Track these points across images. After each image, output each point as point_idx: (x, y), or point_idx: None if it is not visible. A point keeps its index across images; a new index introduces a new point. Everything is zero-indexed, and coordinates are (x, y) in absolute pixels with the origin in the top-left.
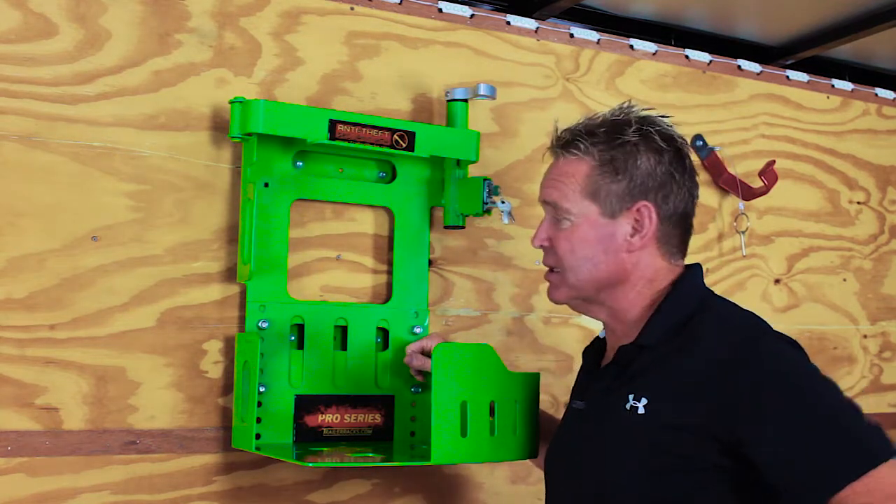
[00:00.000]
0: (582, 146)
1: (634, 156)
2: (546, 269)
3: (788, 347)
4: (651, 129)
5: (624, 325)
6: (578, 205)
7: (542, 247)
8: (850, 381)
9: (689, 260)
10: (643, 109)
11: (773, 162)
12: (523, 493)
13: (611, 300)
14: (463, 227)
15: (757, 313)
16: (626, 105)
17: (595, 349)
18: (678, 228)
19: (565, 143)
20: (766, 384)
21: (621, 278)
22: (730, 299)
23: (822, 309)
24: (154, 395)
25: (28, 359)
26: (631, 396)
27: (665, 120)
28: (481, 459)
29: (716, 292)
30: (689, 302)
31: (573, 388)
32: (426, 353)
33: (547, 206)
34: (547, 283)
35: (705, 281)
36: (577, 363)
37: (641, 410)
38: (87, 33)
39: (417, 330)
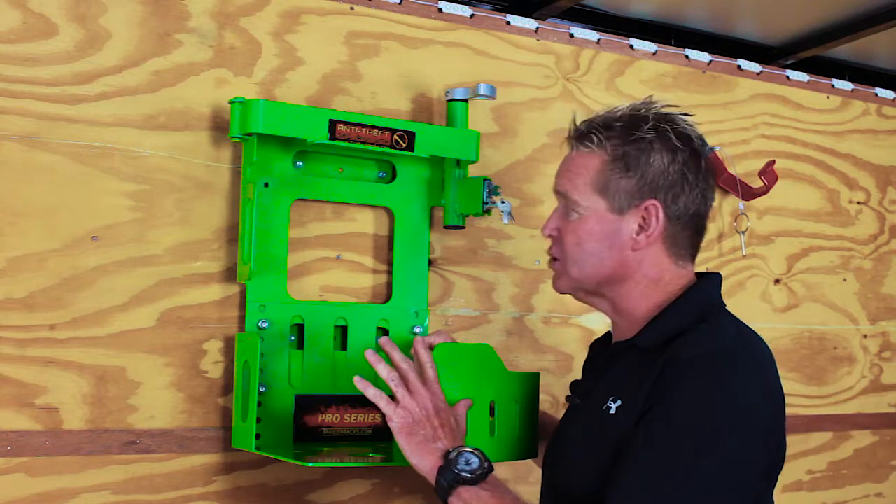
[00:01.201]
0: (596, 139)
1: (647, 153)
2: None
3: (725, 394)
4: (668, 127)
5: (626, 322)
6: (588, 198)
7: (550, 236)
8: (850, 381)
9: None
10: (665, 106)
11: (773, 162)
12: (523, 493)
13: (613, 295)
14: (463, 227)
15: (762, 341)
16: (648, 100)
17: (602, 343)
18: (688, 230)
19: (581, 134)
20: (675, 396)
21: (624, 275)
22: (738, 319)
23: (822, 309)
24: (154, 395)
25: (28, 359)
26: (610, 398)
27: (686, 118)
28: None
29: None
30: (693, 312)
31: (574, 381)
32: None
33: (559, 196)
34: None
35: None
36: (578, 363)
37: (613, 411)
38: (87, 33)
39: (417, 330)
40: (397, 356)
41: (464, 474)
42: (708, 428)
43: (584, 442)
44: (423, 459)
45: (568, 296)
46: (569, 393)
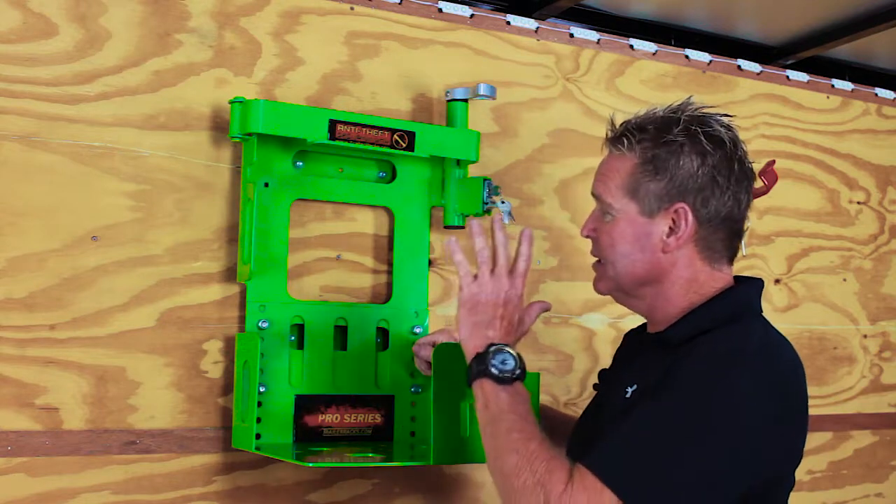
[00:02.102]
0: (627, 142)
1: (677, 156)
2: (595, 259)
3: (725, 389)
4: (699, 130)
5: (661, 319)
6: (619, 201)
7: (588, 237)
8: (850, 381)
9: None
10: (700, 108)
11: (773, 162)
12: None
13: (650, 297)
14: (463, 227)
15: (791, 349)
16: (685, 102)
17: (636, 332)
18: (721, 233)
19: (615, 137)
20: (676, 382)
21: (658, 277)
22: (772, 326)
23: (822, 309)
24: (154, 395)
25: (28, 359)
26: (629, 385)
27: (722, 120)
28: (481, 459)
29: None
30: (725, 311)
31: (602, 370)
32: None
33: (595, 199)
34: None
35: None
36: (578, 363)
37: (629, 395)
38: (87, 33)
39: (417, 330)
40: (500, 237)
41: (492, 370)
42: (698, 416)
43: (604, 426)
44: (470, 339)
45: (568, 296)
46: (596, 381)
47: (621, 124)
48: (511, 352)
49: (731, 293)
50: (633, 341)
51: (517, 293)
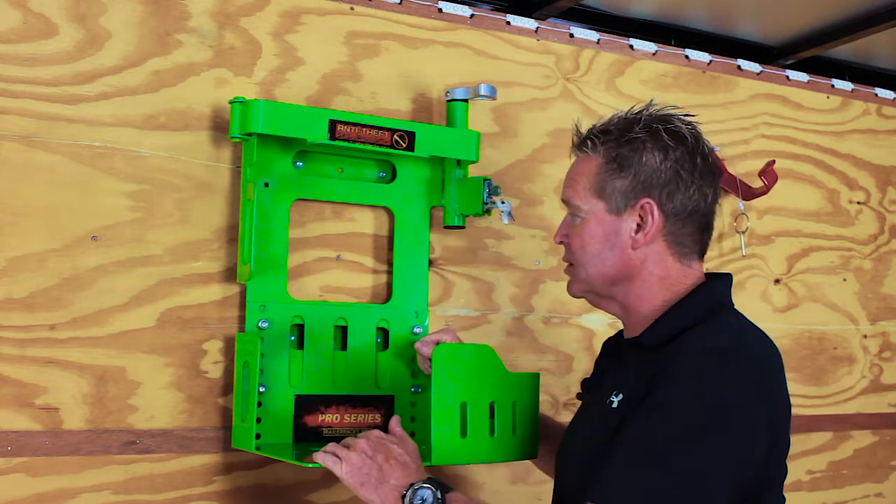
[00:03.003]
0: (591, 144)
1: (640, 153)
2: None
3: (710, 391)
4: (660, 127)
5: (635, 321)
6: (587, 202)
7: (560, 243)
8: (850, 381)
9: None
10: (663, 108)
11: (773, 162)
12: (523, 493)
13: (622, 296)
14: (463, 227)
15: (767, 341)
16: (647, 104)
17: (613, 341)
18: (689, 227)
19: (579, 142)
20: (662, 392)
21: (630, 274)
22: (746, 319)
23: (822, 309)
24: (154, 395)
25: (28, 359)
26: (613, 392)
27: (685, 118)
28: (481, 460)
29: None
30: (698, 310)
31: (584, 378)
32: None
33: (565, 204)
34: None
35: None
36: (578, 363)
37: (615, 405)
38: (87, 33)
39: (417, 330)
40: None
41: None
42: (689, 424)
43: (588, 435)
44: (387, 502)
45: (567, 296)
46: (579, 391)
47: (587, 129)
48: (420, 485)
49: (702, 290)
50: (611, 349)
51: (375, 434)
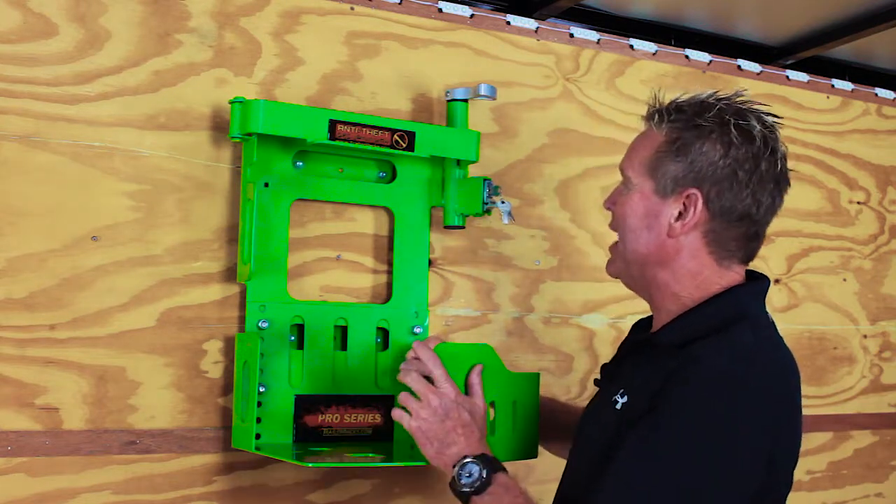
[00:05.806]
0: (658, 119)
1: (702, 141)
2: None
3: (713, 420)
4: (731, 120)
5: (659, 316)
6: (638, 176)
7: (609, 209)
8: (850, 381)
9: None
10: (747, 101)
11: None
12: None
13: (652, 283)
14: (463, 227)
15: (784, 357)
16: (734, 93)
17: (640, 327)
18: (734, 231)
19: (649, 114)
20: (666, 411)
21: (662, 260)
22: (765, 330)
23: (822, 309)
24: (154, 395)
25: (28, 359)
26: (620, 390)
27: (765, 119)
28: None
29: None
30: (716, 317)
31: (604, 364)
32: None
33: (621, 172)
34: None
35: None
36: (578, 363)
37: (619, 406)
38: (87, 33)
39: (417, 330)
40: (402, 366)
41: (464, 490)
42: (682, 457)
43: (595, 434)
44: (444, 468)
45: (568, 296)
46: (596, 376)
47: (664, 103)
48: (469, 459)
49: (727, 295)
50: (632, 335)
51: (449, 396)
